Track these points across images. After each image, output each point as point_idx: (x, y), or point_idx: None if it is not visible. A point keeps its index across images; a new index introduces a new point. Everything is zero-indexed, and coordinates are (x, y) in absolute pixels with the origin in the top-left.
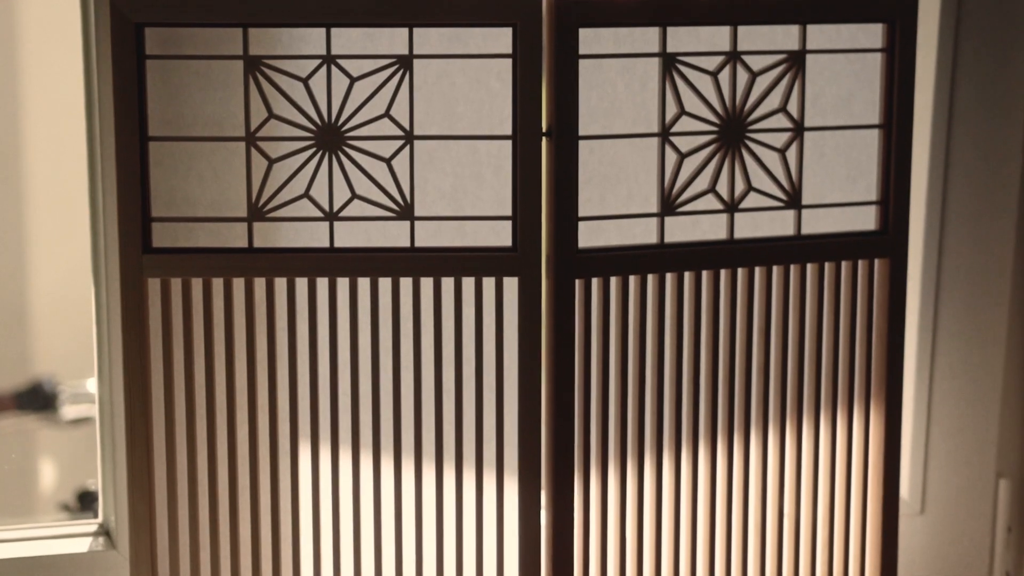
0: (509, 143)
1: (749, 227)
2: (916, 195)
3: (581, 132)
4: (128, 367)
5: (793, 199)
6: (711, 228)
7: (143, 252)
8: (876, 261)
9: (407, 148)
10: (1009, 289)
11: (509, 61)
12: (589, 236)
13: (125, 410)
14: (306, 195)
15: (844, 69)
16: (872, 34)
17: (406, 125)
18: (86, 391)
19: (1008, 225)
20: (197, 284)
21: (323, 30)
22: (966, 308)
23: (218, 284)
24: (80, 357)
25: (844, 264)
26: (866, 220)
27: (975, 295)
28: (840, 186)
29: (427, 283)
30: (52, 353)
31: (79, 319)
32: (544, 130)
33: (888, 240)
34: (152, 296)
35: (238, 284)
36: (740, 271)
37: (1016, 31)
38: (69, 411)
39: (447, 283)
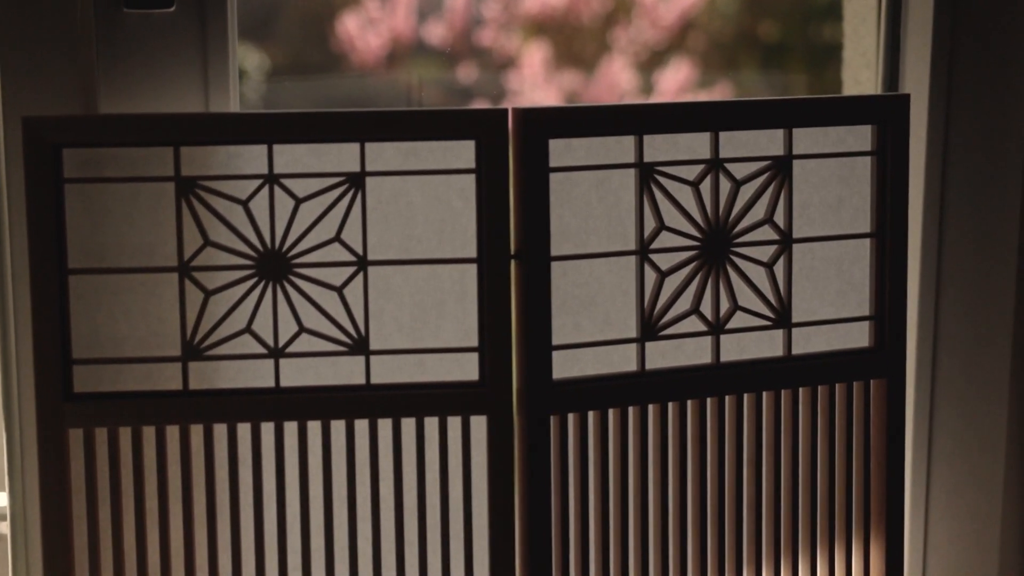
0: (474, 267)
1: (736, 349)
2: (908, 306)
3: (553, 252)
4: (47, 529)
5: (782, 317)
6: (695, 351)
7: (63, 400)
8: (872, 381)
9: (360, 275)
10: (1007, 409)
11: (472, 177)
12: (563, 365)
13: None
14: (248, 330)
15: (832, 175)
16: (861, 136)
17: (359, 249)
18: None
19: (1004, 336)
20: (125, 434)
21: (264, 147)
22: (962, 426)
23: (149, 433)
24: None
25: (838, 387)
26: (860, 336)
27: (970, 413)
28: (831, 301)
29: (385, 424)
30: None
31: None
32: (512, 252)
33: (884, 358)
34: (74, 448)
35: (172, 432)
36: (728, 399)
37: (1007, 130)
38: None
39: (408, 424)
